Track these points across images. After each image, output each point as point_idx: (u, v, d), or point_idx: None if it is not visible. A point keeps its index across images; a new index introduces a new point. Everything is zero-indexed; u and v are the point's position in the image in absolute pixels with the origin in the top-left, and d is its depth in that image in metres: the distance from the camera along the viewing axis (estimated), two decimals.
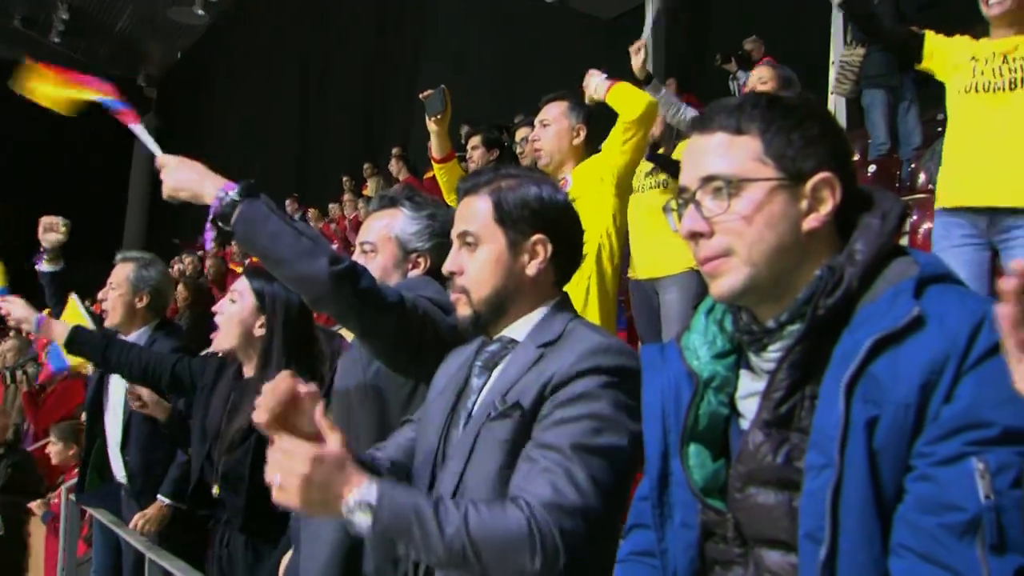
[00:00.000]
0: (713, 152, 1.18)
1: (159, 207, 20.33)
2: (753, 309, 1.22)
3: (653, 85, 4.09)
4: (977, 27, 3.30)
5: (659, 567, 1.29)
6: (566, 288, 1.69)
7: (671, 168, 4.24)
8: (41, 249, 3.63)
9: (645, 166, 4.48)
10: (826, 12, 7.42)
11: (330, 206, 12.16)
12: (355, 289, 1.72)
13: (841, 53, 6.49)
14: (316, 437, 1.37)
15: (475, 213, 1.61)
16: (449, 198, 3.68)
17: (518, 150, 4.58)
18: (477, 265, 1.59)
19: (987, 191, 3.10)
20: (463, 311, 1.61)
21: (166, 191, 1.80)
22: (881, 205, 1.19)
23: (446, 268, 1.65)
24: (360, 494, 1.30)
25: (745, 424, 1.21)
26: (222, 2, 17.32)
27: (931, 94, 3.44)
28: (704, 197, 1.18)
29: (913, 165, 6.00)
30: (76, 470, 4.24)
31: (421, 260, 2.14)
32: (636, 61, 3.96)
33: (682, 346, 1.30)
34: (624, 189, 3.14)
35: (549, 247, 1.59)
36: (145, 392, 3.11)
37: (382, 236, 2.15)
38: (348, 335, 2.43)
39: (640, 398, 1.34)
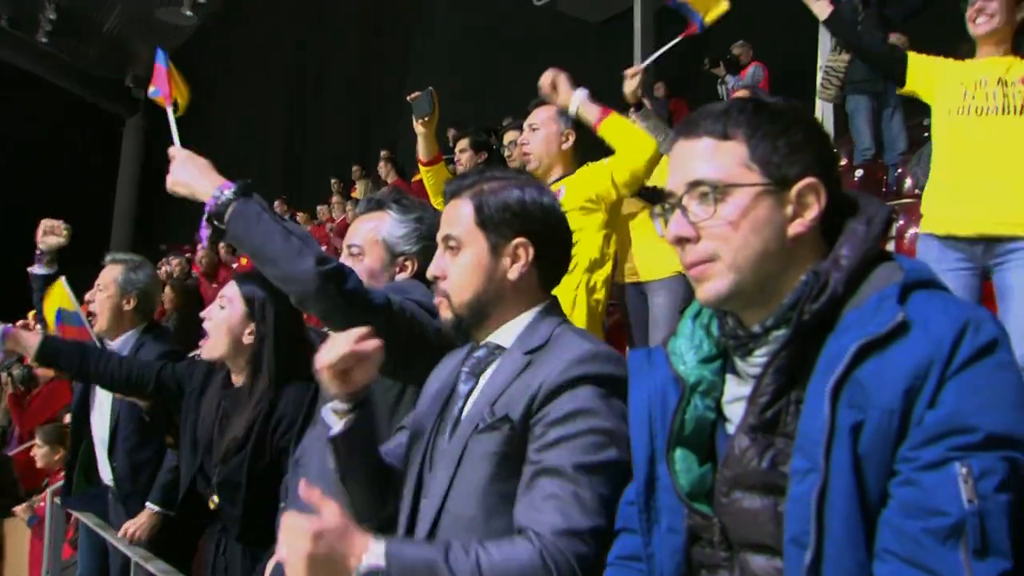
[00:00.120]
0: (699, 157, 1.19)
1: (146, 210, 20.29)
2: (739, 314, 1.22)
3: (643, 113, 4.08)
4: (962, 38, 3.29)
5: (645, 571, 1.29)
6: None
7: (657, 196, 4.24)
8: (39, 252, 3.58)
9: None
10: (814, 17, 7.44)
11: (318, 208, 12.15)
12: (341, 289, 1.73)
13: (826, 59, 6.52)
14: (363, 390, 1.52)
15: (458, 217, 1.61)
16: (435, 201, 3.68)
17: (506, 153, 4.58)
18: (459, 269, 1.59)
19: (983, 220, 3.08)
20: (445, 315, 1.61)
21: (168, 183, 1.82)
22: (866, 210, 1.19)
23: (430, 272, 1.65)
24: (367, 561, 1.31)
25: (731, 428, 1.22)
26: (211, 3, 17.28)
27: (916, 100, 3.44)
28: (690, 202, 1.18)
29: (899, 170, 6.04)
30: (62, 473, 4.22)
31: (408, 263, 2.14)
32: (629, 86, 3.92)
33: (668, 351, 1.30)
34: (617, 209, 3.16)
35: (531, 250, 1.57)
36: None
37: (369, 239, 2.15)
38: None
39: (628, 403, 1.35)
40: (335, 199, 11.75)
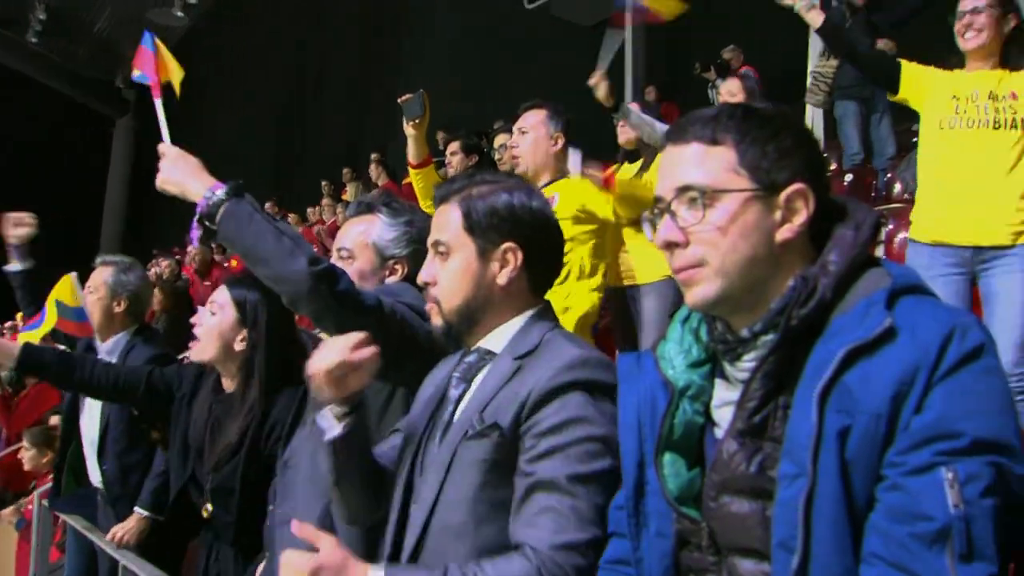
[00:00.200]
0: (688, 162, 1.19)
1: (137, 212, 20.23)
2: (728, 319, 1.22)
3: (622, 111, 4.09)
4: (951, 50, 3.32)
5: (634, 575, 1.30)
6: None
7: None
8: (11, 246, 3.53)
9: (622, 177, 4.50)
10: (804, 22, 7.47)
11: (308, 210, 12.14)
12: (333, 290, 1.72)
13: (814, 64, 6.55)
14: (357, 393, 1.52)
15: (447, 222, 1.61)
16: (424, 203, 3.69)
17: (496, 156, 4.58)
18: (448, 275, 1.59)
19: (972, 231, 3.12)
20: (436, 321, 1.61)
21: (158, 181, 1.80)
22: (855, 216, 1.20)
23: (420, 278, 1.64)
24: None
25: (720, 433, 1.22)
26: (202, 4, 17.25)
27: (904, 105, 3.46)
28: (679, 207, 1.18)
29: (889, 175, 6.06)
30: (50, 476, 4.20)
31: (398, 267, 2.14)
32: (599, 93, 3.95)
33: (657, 355, 1.30)
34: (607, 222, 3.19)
35: (520, 255, 1.56)
36: None
37: (359, 242, 2.14)
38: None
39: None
40: (326, 201, 11.74)
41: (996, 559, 0.97)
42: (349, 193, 11.32)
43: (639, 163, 4.47)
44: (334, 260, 2.12)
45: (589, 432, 1.40)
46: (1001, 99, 3.13)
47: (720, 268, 1.16)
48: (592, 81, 3.91)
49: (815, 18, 3.35)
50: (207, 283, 9.97)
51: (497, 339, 1.58)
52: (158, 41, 2.23)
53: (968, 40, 3.19)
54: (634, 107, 4.35)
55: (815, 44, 7.22)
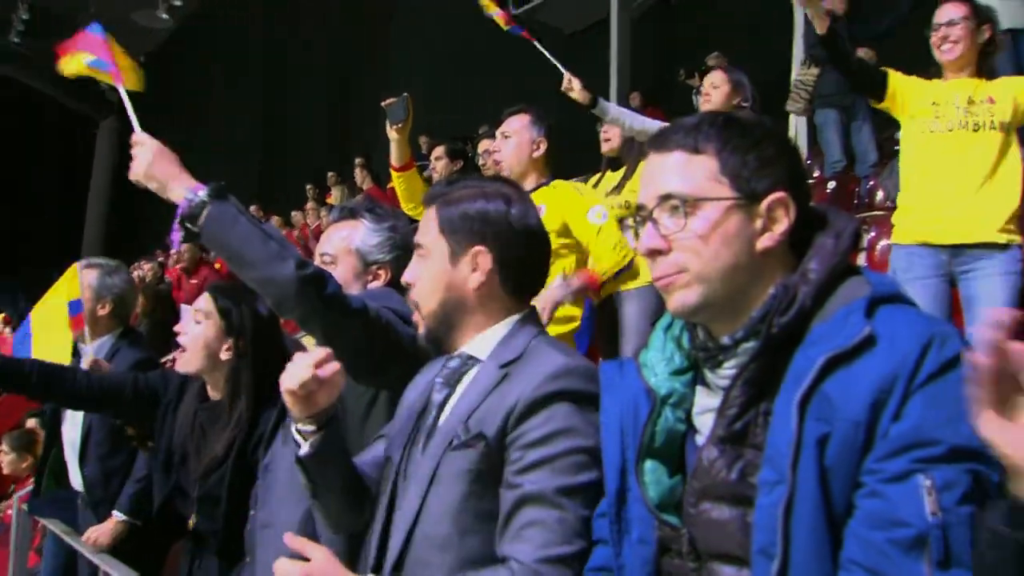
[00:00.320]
0: (670, 171, 1.20)
1: (120, 214, 20.10)
2: (709, 326, 1.23)
3: (600, 108, 4.11)
4: (929, 61, 3.39)
5: None
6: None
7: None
8: None
9: (606, 185, 4.51)
10: (788, 29, 7.54)
11: (293, 214, 12.11)
12: (320, 294, 1.72)
13: (796, 72, 6.59)
14: (327, 410, 1.52)
15: (427, 224, 1.61)
16: (406, 206, 3.70)
17: (480, 162, 4.59)
18: (424, 276, 1.59)
19: (952, 230, 3.17)
20: (418, 323, 1.62)
21: (135, 174, 1.77)
22: (835, 225, 1.21)
23: (403, 278, 1.65)
24: None
25: (701, 440, 1.22)
26: (186, 6, 17.18)
27: (884, 113, 3.51)
28: (661, 215, 1.19)
29: (871, 183, 6.10)
30: (31, 480, 4.17)
31: (381, 272, 2.14)
32: (575, 92, 3.98)
33: (640, 363, 1.31)
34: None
35: (489, 259, 1.55)
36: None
37: (342, 248, 2.15)
38: (311, 342, 2.41)
39: None
40: (310, 205, 11.72)
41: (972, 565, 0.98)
42: (334, 197, 11.31)
43: (622, 171, 4.48)
44: (316, 264, 2.12)
45: (576, 444, 1.39)
46: (979, 103, 3.20)
47: (701, 275, 1.17)
48: (564, 86, 3.94)
49: (822, 24, 3.37)
50: (193, 281, 9.93)
51: (480, 344, 1.57)
52: (109, 36, 2.17)
53: (945, 52, 3.27)
54: (610, 104, 4.37)
55: (799, 52, 7.27)
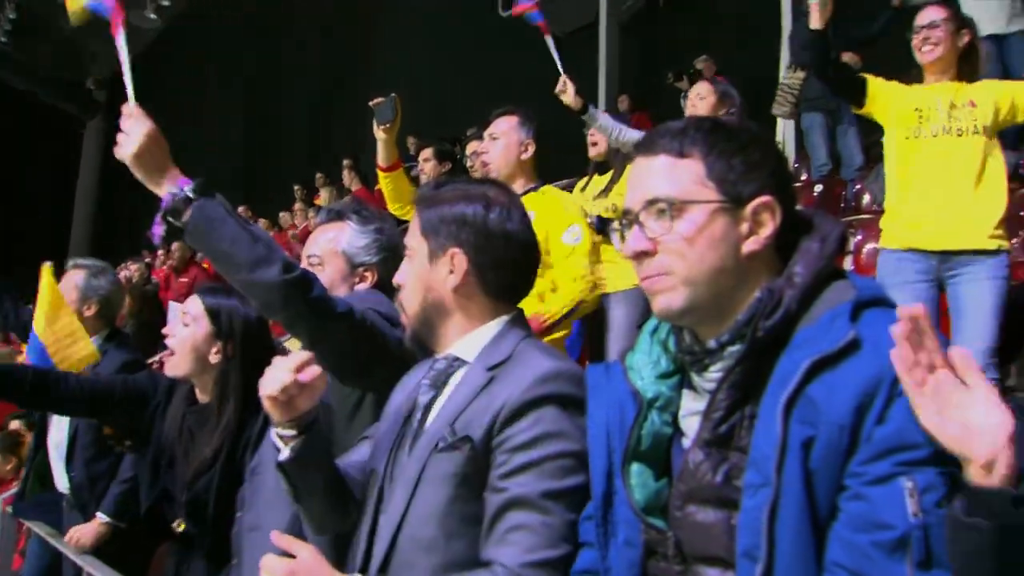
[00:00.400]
0: (657, 175, 1.20)
1: (107, 214, 20.02)
2: (695, 329, 1.24)
3: (590, 115, 4.12)
4: (911, 64, 3.43)
5: None
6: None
7: None
8: None
9: (593, 189, 4.52)
10: (776, 33, 7.57)
11: (281, 215, 12.08)
12: (306, 298, 1.72)
13: (782, 76, 6.62)
14: (307, 414, 1.51)
15: (413, 226, 1.62)
16: (393, 207, 3.69)
17: (468, 163, 4.59)
18: (408, 277, 1.60)
19: (942, 236, 3.20)
20: (405, 325, 1.62)
21: (122, 153, 1.68)
22: (821, 229, 1.22)
23: (394, 280, 1.65)
24: None
25: (687, 443, 1.23)
26: (175, 6, 17.12)
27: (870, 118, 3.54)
28: (648, 218, 1.19)
29: (858, 186, 6.12)
30: (14, 482, 4.14)
31: (368, 274, 2.14)
32: (567, 99, 3.98)
33: (626, 365, 1.31)
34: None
35: (464, 260, 1.55)
36: None
37: (328, 250, 2.14)
38: (295, 346, 2.40)
39: None
40: (298, 206, 11.70)
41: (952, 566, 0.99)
42: (322, 198, 11.28)
43: (609, 175, 4.50)
44: (303, 267, 2.11)
45: (563, 448, 1.39)
46: (961, 107, 3.24)
47: (687, 278, 1.17)
48: (559, 88, 3.94)
49: (818, 20, 3.39)
50: (183, 279, 9.89)
51: (467, 346, 1.57)
52: None
53: (926, 53, 3.31)
54: (600, 112, 4.38)
55: (786, 55, 7.30)
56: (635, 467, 1.25)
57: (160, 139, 1.70)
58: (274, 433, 1.55)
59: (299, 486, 1.57)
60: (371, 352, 1.84)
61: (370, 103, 3.46)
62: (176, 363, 2.47)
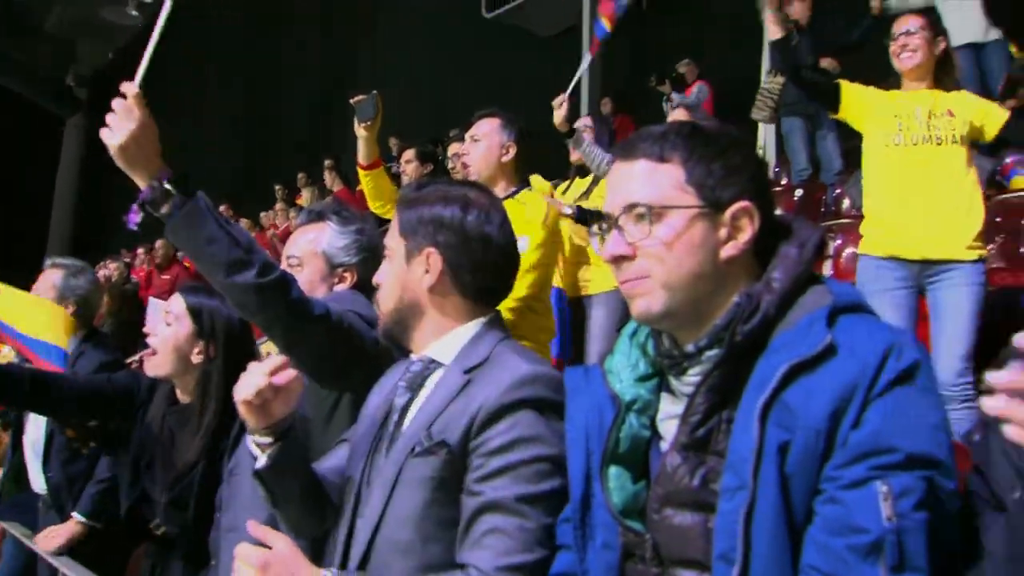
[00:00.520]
0: (636, 179, 1.21)
1: (87, 213, 19.87)
2: (673, 333, 1.24)
3: (575, 139, 4.12)
4: (889, 71, 3.46)
5: None
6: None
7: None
8: None
9: (575, 191, 4.53)
10: (759, 36, 7.60)
11: (262, 215, 12.02)
12: (283, 300, 1.71)
13: (763, 80, 6.66)
14: (283, 421, 1.51)
15: (392, 226, 1.63)
16: (374, 205, 3.68)
17: (450, 165, 4.58)
18: (385, 276, 1.61)
19: (924, 245, 3.23)
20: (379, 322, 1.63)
21: (110, 137, 1.61)
22: (799, 234, 1.22)
23: (374, 279, 1.66)
24: None
25: (665, 446, 1.23)
26: (156, 3, 17.01)
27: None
28: (627, 222, 1.20)
29: (838, 190, 6.16)
30: None
31: (347, 275, 2.14)
32: (557, 116, 3.97)
33: (605, 368, 1.31)
34: (555, 235, 3.19)
35: (439, 260, 1.55)
36: None
37: (308, 251, 2.14)
38: (272, 348, 2.39)
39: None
40: (279, 206, 11.64)
41: (927, 570, 1.00)
42: (304, 198, 11.23)
43: (589, 178, 4.51)
44: (283, 267, 2.11)
45: (539, 452, 1.39)
46: (939, 116, 3.27)
47: (666, 282, 1.18)
48: (556, 102, 3.93)
49: (775, 32, 3.44)
50: (165, 276, 9.83)
51: (443, 348, 1.57)
52: None
53: (904, 60, 3.35)
54: (587, 136, 4.39)
55: (768, 60, 7.33)
56: (613, 470, 1.26)
57: (151, 131, 1.64)
58: (250, 440, 1.55)
59: (276, 492, 1.57)
60: (348, 354, 1.83)
61: (351, 101, 3.45)
62: (157, 362, 2.45)
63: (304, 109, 15.66)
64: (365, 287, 1.97)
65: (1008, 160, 4.92)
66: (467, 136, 3.28)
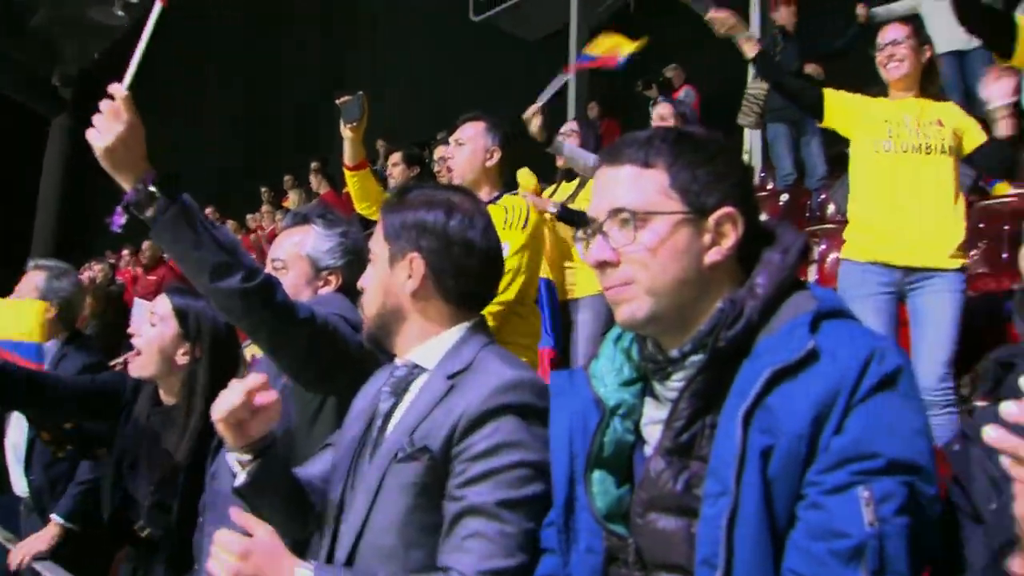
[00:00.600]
0: (621, 184, 1.21)
1: (71, 214, 19.77)
2: (658, 338, 1.24)
3: (555, 146, 4.13)
4: (875, 80, 3.49)
5: None
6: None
7: (582, 222, 4.27)
8: None
9: (562, 195, 4.53)
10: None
11: (248, 217, 11.98)
12: (268, 305, 1.71)
13: (748, 85, 6.68)
14: (261, 441, 1.51)
15: (377, 230, 1.63)
16: (360, 206, 3.66)
17: (436, 168, 4.58)
18: (369, 280, 1.61)
19: (908, 253, 3.25)
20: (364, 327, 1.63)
21: (96, 139, 1.59)
22: (783, 240, 1.23)
23: (359, 283, 1.66)
24: None
25: (649, 451, 1.24)
26: (143, 4, 16.94)
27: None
28: (611, 228, 1.20)
29: (823, 195, 6.18)
30: None
31: (332, 277, 2.13)
32: (532, 126, 3.96)
33: (590, 373, 1.32)
34: (538, 238, 3.19)
35: (422, 265, 1.55)
36: None
37: (293, 253, 2.14)
38: (257, 351, 2.38)
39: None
40: (265, 208, 11.61)
41: (907, 575, 1.00)
42: (291, 200, 11.20)
43: (576, 181, 4.51)
44: (268, 271, 2.10)
45: (521, 457, 1.39)
46: (928, 125, 3.29)
47: (650, 288, 1.18)
48: (527, 115, 3.92)
49: (751, 48, 3.46)
50: (151, 277, 9.78)
51: (427, 353, 1.57)
52: None
53: (891, 70, 3.37)
54: (571, 141, 4.39)
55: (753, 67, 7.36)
56: (597, 474, 1.26)
57: (139, 134, 1.63)
58: (230, 457, 1.55)
59: (257, 507, 1.56)
60: (333, 358, 1.83)
61: (337, 101, 3.43)
62: (142, 363, 2.43)
63: (315, 108, 15.65)
64: (350, 290, 1.96)
65: None
66: (451, 140, 3.26)
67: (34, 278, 3.36)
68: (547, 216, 4.00)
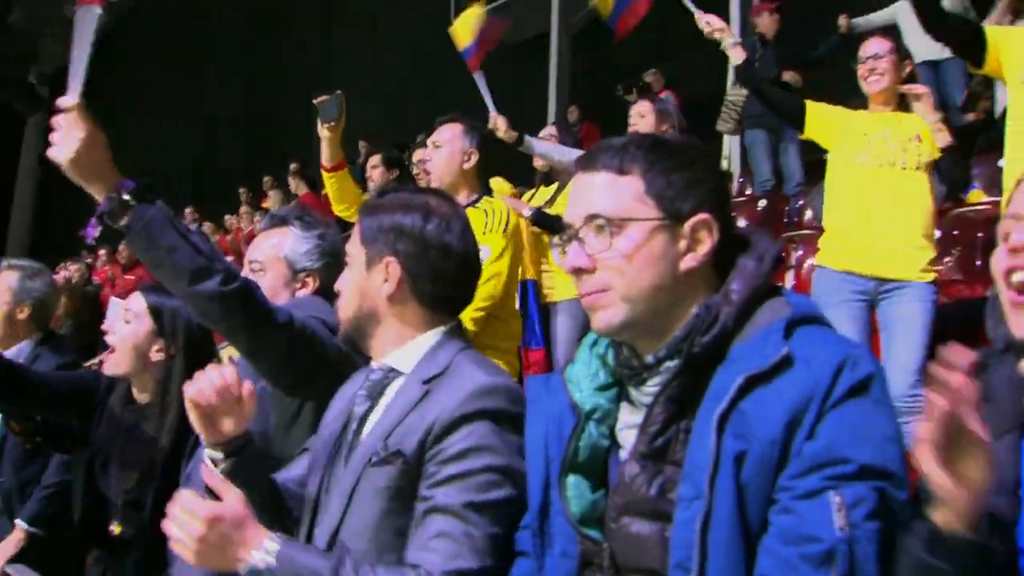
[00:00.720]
0: (597, 191, 1.22)
1: (47, 214, 19.60)
2: (633, 344, 1.25)
3: (526, 145, 4.13)
4: (856, 93, 3.54)
5: None
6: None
7: (558, 227, 4.29)
8: None
9: (541, 198, 4.54)
10: (725, 51, 7.65)
11: (226, 218, 11.92)
12: (245, 308, 1.71)
13: (727, 93, 6.72)
14: (236, 440, 1.52)
15: (353, 233, 1.62)
16: (338, 208, 3.63)
17: (415, 171, 4.57)
18: (345, 283, 1.61)
19: (882, 265, 3.30)
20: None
21: (58, 156, 1.59)
22: (758, 247, 1.24)
23: (336, 286, 1.65)
24: (258, 557, 1.33)
25: (623, 455, 1.24)
26: (122, 2, 16.83)
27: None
28: (587, 234, 1.21)
29: (800, 201, 6.23)
30: None
31: (310, 280, 2.13)
32: (500, 131, 3.97)
33: (565, 378, 1.32)
34: (517, 242, 3.19)
35: (398, 269, 1.55)
36: None
37: (270, 255, 2.13)
38: (234, 352, 2.37)
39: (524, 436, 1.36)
40: (244, 209, 11.55)
41: None
42: (271, 201, 11.15)
43: (555, 186, 4.52)
44: (245, 272, 2.09)
45: (491, 462, 1.40)
46: (907, 141, 3.33)
47: (626, 294, 1.18)
48: (491, 124, 3.93)
49: (737, 55, 3.50)
50: (130, 277, 9.72)
51: (402, 357, 1.57)
52: None
53: (872, 83, 3.43)
54: (550, 140, 4.41)
55: (733, 73, 7.40)
56: (572, 479, 1.26)
57: (98, 142, 1.61)
58: (206, 455, 1.55)
59: None
60: (311, 361, 1.83)
61: (314, 100, 3.39)
62: (116, 360, 2.41)
63: (305, 109, 15.63)
64: (328, 292, 1.96)
65: None
66: (429, 142, 3.25)
67: (7, 278, 3.32)
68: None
